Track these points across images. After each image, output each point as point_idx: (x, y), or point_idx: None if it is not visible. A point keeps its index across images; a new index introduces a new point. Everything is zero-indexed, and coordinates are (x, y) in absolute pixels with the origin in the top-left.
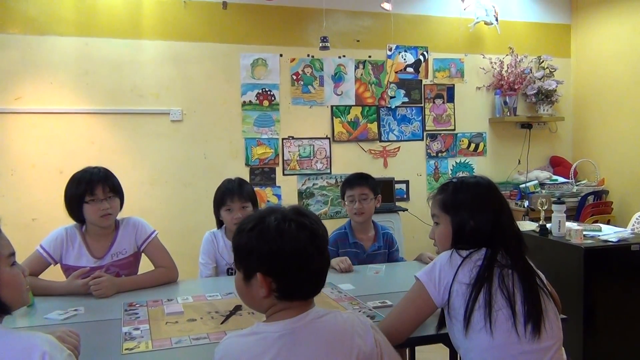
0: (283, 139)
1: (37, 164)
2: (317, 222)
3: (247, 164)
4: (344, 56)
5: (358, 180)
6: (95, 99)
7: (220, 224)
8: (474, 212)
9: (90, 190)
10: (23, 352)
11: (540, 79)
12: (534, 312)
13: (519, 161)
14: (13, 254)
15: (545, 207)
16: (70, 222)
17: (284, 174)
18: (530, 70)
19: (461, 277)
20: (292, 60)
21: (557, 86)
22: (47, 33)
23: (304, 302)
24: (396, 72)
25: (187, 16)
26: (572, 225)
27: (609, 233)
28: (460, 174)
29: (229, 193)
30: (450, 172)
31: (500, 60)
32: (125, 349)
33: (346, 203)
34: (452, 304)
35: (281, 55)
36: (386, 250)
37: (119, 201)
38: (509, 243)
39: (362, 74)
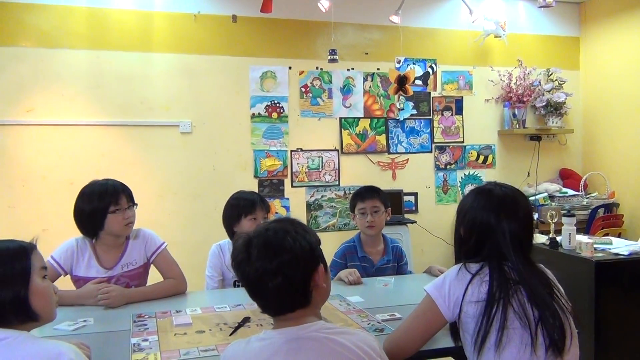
0: (292, 151)
1: (48, 175)
2: (265, 247)
3: (255, 176)
4: (352, 69)
5: (370, 192)
6: (106, 111)
7: (231, 235)
8: (462, 222)
9: (115, 200)
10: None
11: (549, 92)
12: (551, 330)
13: (529, 173)
14: (45, 267)
15: (555, 219)
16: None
17: (292, 186)
18: (539, 82)
19: (470, 295)
20: (301, 72)
21: (566, 98)
22: (59, 46)
23: (296, 314)
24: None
25: (197, 29)
26: (582, 238)
27: (620, 246)
28: (469, 187)
29: (256, 202)
30: (459, 184)
31: (508, 73)
32: None
33: (357, 216)
34: (463, 322)
35: (290, 67)
36: (395, 264)
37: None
38: (506, 254)
39: (370, 87)
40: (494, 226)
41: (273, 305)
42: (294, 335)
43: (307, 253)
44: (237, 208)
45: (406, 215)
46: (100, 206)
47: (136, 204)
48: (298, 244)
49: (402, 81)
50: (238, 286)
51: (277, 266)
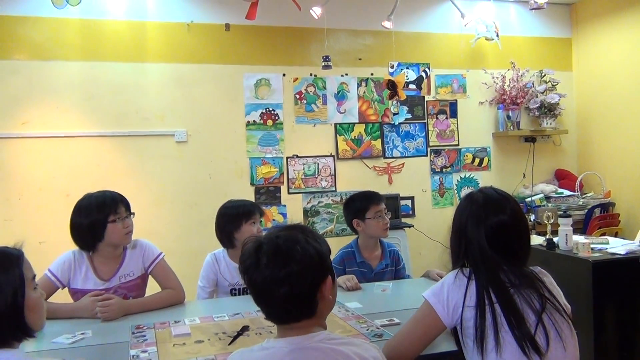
0: (287, 158)
1: (44, 187)
2: (275, 255)
3: (252, 184)
4: (346, 74)
5: (380, 196)
6: (101, 122)
7: (230, 243)
8: (452, 228)
9: (114, 209)
10: None
11: (542, 93)
12: (544, 332)
13: (524, 175)
14: (34, 276)
15: (552, 220)
16: None
17: (289, 193)
18: (533, 84)
19: (468, 300)
20: (295, 79)
21: (559, 99)
22: (53, 58)
23: (301, 324)
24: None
25: (191, 39)
26: (579, 238)
27: (617, 246)
28: (465, 189)
29: (254, 206)
30: (455, 187)
31: (502, 75)
32: None
33: (371, 219)
34: (465, 327)
35: (284, 75)
36: (393, 268)
37: None
38: (476, 260)
39: (364, 92)
40: (472, 231)
41: (278, 314)
42: (298, 345)
43: (316, 264)
44: (238, 215)
45: (403, 220)
46: (100, 217)
47: (133, 213)
48: (308, 254)
49: (392, 86)
50: (234, 294)
51: (285, 276)
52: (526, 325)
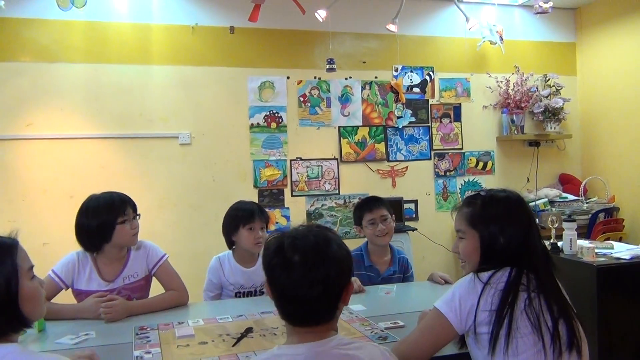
0: (291, 161)
1: (48, 189)
2: (312, 253)
3: (255, 186)
4: (350, 77)
5: (375, 202)
6: (105, 124)
7: (229, 244)
8: (504, 228)
9: (123, 210)
10: None
11: (546, 97)
12: (567, 337)
13: (528, 179)
14: (32, 267)
15: (556, 225)
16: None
17: (292, 195)
18: (537, 88)
19: (483, 305)
20: (299, 82)
21: (564, 104)
22: (58, 60)
23: (318, 328)
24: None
25: (195, 41)
26: (583, 243)
27: (622, 250)
28: (470, 192)
29: (254, 212)
30: (458, 190)
31: (506, 79)
32: None
33: (365, 227)
34: (478, 331)
35: (288, 77)
36: (401, 275)
37: None
38: (537, 262)
39: (368, 95)
40: (528, 232)
41: (303, 315)
42: (312, 352)
43: (349, 265)
44: (236, 218)
45: (407, 223)
46: (109, 218)
47: (139, 215)
48: (343, 255)
49: (394, 90)
50: (239, 296)
51: (324, 276)
52: (548, 330)
